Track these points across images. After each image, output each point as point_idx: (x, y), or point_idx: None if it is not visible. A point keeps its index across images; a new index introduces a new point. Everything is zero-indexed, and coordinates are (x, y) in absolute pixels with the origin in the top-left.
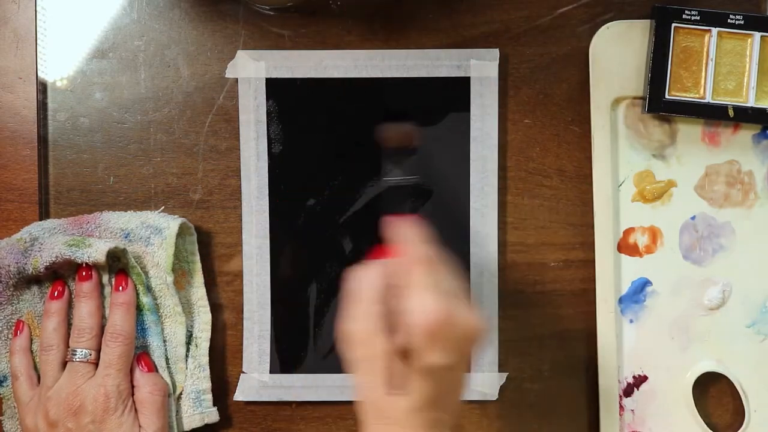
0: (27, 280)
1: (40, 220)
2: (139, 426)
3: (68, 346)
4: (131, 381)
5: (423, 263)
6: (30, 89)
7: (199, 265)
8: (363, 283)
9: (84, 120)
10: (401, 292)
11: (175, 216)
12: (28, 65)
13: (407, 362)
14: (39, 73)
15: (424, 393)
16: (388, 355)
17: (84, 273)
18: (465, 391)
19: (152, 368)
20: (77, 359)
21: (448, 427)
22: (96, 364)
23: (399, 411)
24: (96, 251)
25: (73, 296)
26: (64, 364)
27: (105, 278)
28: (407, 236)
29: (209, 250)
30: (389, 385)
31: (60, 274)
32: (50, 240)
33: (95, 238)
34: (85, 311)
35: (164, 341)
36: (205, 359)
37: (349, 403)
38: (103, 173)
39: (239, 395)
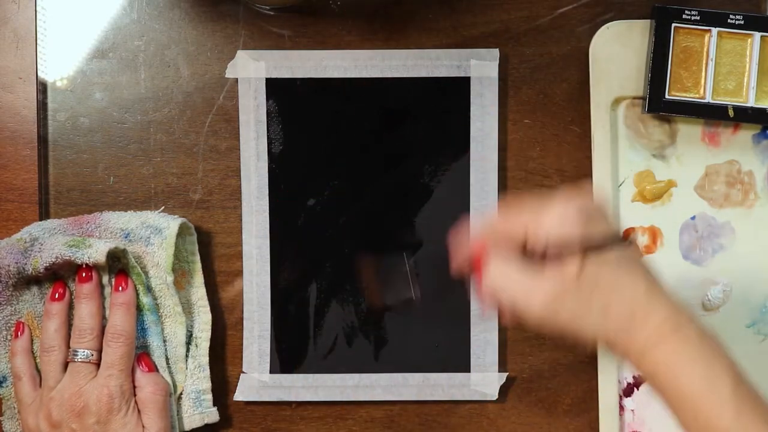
0: (26, 281)
1: (40, 220)
2: (142, 426)
3: (69, 347)
4: (133, 381)
5: (508, 212)
6: (30, 89)
7: (199, 265)
8: (505, 277)
9: (84, 120)
10: (531, 241)
11: (175, 216)
12: (28, 65)
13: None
14: (39, 73)
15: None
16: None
17: (84, 274)
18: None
19: (153, 368)
20: (79, 360)
21: (691, 321)
22: (97, 365)
23: (643, 318)
24: (96, 252)
25: (73, 297)
26: (65, 365)
27: (105, 279)
28: (480, 225)
29: (209, 250)
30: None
31: (60, 275)
32: (50, 240)
33: (95, 239)
34: (85, 312)
35: (164, 341)
36: (205, 359)
37: (349, 403)
38: (103, 173)
39: (239, 395)
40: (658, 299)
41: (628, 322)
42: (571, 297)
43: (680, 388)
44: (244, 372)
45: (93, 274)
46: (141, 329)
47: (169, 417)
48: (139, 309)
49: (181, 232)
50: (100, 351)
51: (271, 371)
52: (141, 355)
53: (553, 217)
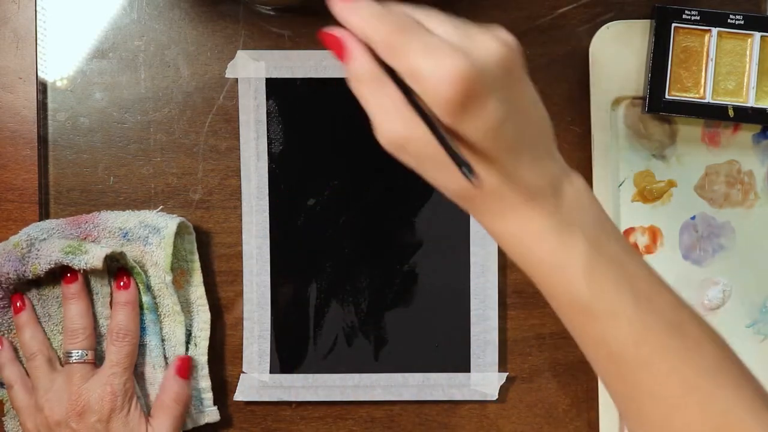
0: (26, 283)
1: (40, 220)
2: (149, 425)
3: (52, 348)
4: (162, 380)
5: (386, 23)
6: (30, 89)
7: (197, 264)
8: (365, 83)
9: (84, 120)
10: (394, 59)
11: (174, 215)
12: (28, 65)
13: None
14: (39, 73)
15: (499, 167)
16: (445, 150)
17: (69, 275)
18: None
19: (187, 375)
20: (73, 361)
21: (546, 186)
22: (93, 363)
23: (492, 196)
24: (93, 257)
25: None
26: (52, 366)
27: (105, 279)
28: (351, 9)
29: (209, 250)
30: (467, 179)
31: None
32: (47, 246)
33: (92, 244)
34: (74, 312)
35: (163, 340)
36: (204, 358)
37: (349, 403)
38: (103, 173)
39: (239, 395)
40: None
41: (472, 195)
42: (425, 155)
43: (532, 259)
44: (244, 372)
45: (78, 274)
46: (140, 328)
47: (180, 428)
48: (139, 308)
49: (180, 231)
50: (93, 350)
51: (271, 371)
52: (184, 359)
53: (429, 87)
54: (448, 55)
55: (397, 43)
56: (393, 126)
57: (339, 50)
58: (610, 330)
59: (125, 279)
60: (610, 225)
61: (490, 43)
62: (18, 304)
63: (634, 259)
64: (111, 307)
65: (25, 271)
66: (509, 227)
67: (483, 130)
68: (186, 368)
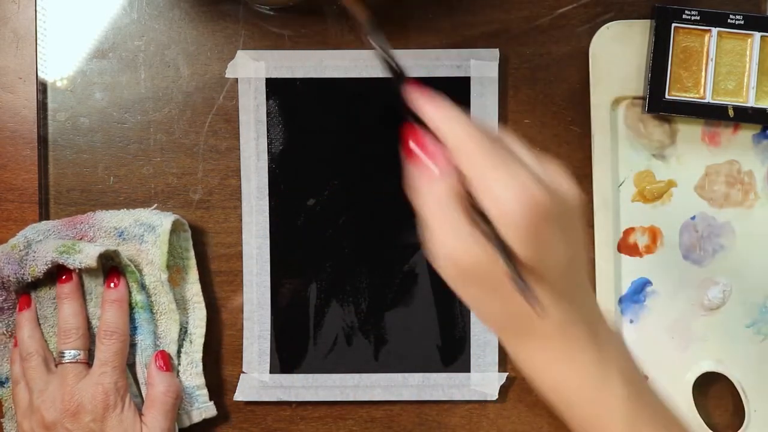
0: (26, 285)
1: (40, 220)
2: (143, 423)
3: (48, 349)
4: (146, 378)
5: (477, 142)
6: (30, 89)
7: (193, 261)
8: (435, 199)
9: (84, 120)
10: (473, 186)
11: (168, 213)
12: (28, 65)
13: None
14: (39, 73)
15: (554, 299)
16: (512, 275)
17: (64, 276)
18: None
19: (170, 368)
20: (66, 361)
21: (589, 324)
22: (86, 364)
23: (541, 327)
24: (86, 256)
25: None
26: (48, 368)
27: (100, 279)
28: (443, 118)
29: (209, 250)
30: (531, 305)
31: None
32: (43, 247)
33: (85, 243)
34: (68, 312)
35: (157, 339)
36: (199, 355)
37: (349, 403)
38: (103, 173)
39: (239, 395)
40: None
41: (519, 325)
42: (483, 278)
43: (569, 398)
44: (244, 372)
45: (72, 274)
46: (132, 326)
47: (174, 420)
48: (131, 306)
49: (175, 228)
50: (87, 350)
51: (271, 371)
52: (160, 353)
53: (502, 212)
54: (531, 186)
55: (484, 165)
56: (457, 244)
57: (425, 167)
58: None
59: (116, 279)
60: (639, 367)
61: (569, 186)
62: (23, 306)
63: (668, 406)
64: None
65: (24, 274)
66: (552, 367)
67: (553, 264)
68: (166, 361)
